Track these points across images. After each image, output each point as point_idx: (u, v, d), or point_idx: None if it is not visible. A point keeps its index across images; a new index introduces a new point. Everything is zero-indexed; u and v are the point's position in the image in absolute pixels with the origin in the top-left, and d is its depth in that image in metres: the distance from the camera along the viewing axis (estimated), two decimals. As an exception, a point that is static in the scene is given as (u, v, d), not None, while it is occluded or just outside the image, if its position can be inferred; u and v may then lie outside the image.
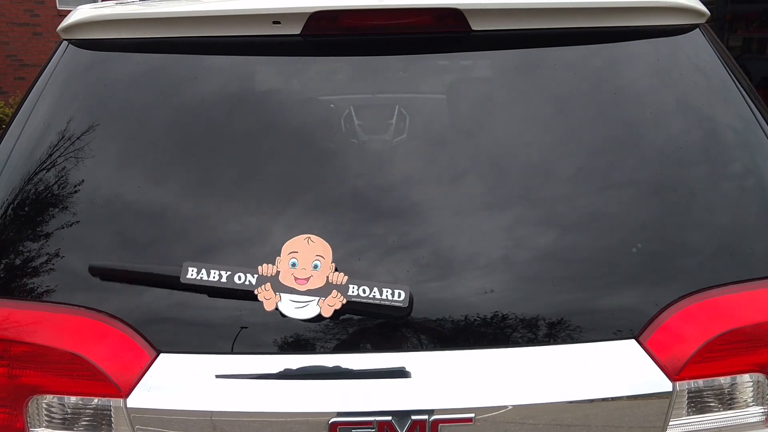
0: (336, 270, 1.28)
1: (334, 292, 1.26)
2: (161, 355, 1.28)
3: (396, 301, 1.24)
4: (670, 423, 1.26)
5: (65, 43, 1.62)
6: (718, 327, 1.26)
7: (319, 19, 1.47)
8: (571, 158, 1.45)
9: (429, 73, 1.67)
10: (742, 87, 1.55)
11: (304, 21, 1.47)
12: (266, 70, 1.65)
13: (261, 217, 1.37)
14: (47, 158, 1.46)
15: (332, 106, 1.83)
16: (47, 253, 1.34)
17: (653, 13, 1.58)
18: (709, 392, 1.28)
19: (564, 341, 1.29)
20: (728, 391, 1.29)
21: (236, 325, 1.29)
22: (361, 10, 1.46)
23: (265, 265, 1.29)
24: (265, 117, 1.51)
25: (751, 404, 1.30)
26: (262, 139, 1.47)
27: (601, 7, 1.51)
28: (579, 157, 1.45)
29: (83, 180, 1.43)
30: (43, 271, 1.34)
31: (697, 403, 1.28)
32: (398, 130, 1.97)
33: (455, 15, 1.46)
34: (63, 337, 1.28)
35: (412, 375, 1.25)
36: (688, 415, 1.28)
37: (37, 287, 1.33)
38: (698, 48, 1.58)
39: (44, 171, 1.44)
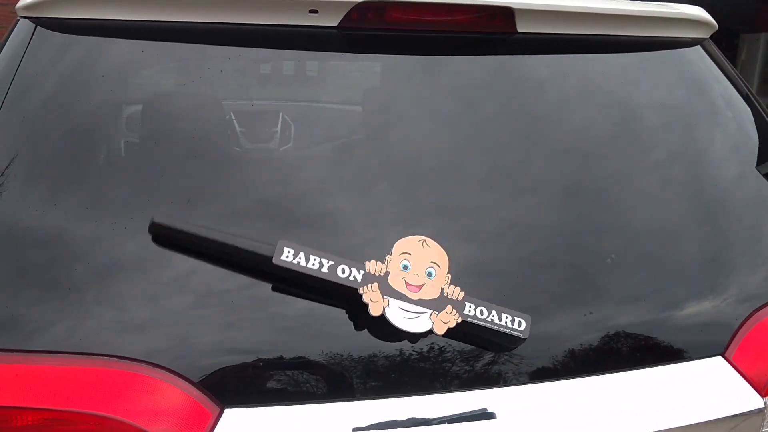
0: (451, 283, 1.11)
1: (449, 307, 1.11)
2: (226, 411, 1.03)
3: (515, 330, 1.11)
4: (762, 439, 1.25)
5: (27, 22, 1.29)
6: None
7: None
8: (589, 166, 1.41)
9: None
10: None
11: None
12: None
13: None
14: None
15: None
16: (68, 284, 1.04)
17: (664, 24, 1.58)
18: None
19: (650, 364, 1.23)
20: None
21: (321, 363, 1.08)
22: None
23: (373, 261, 1.10)
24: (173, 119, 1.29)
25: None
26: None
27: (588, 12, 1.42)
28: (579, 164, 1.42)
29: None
30: (55, 312, 1.03)
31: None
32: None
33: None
34: (91, 397, 0.99)
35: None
36: (777, 430, 1.27)
37: (54, 334, 1.02)
38: (708, 60, 1.61)
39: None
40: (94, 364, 1.00)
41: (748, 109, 1.60)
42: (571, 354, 1.21)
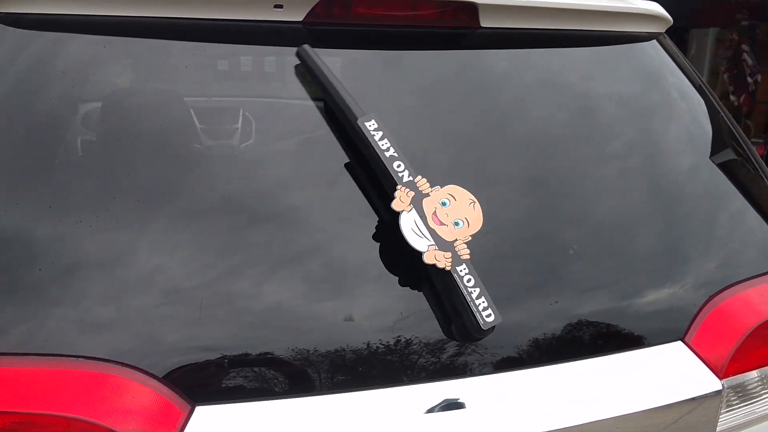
0: (467, 245, 1.16)
1: (449, 253, 1.14)
2: (197, 408, 1.03)
3: (481, 318, 1.12)
4: (720, 419, 1.30)
5: (-19, 15, 1.25)
6: (751, 320, 1.32)
7: None
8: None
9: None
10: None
11: None
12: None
13: (117, 232, 1.12)
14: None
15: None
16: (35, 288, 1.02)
17: (622, 19, 1.61)
18: (750, 385, 1.33)
19: (613, 350, 1.26)
20: (759, 382, 1.35)
21: (291, 358, 1.08)
22: None
23: (425, 180, 1.19)
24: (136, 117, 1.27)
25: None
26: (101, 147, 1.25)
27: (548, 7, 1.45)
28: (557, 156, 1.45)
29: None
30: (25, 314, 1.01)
31: (740, 397, 1.33)
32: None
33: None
34: (59, 399, 0.97)
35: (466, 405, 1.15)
36: (734, 409, 1.32)
37: (18, 336, 1.00)
38: (664, 54, 1.66)
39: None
40: (60, 365, 0.98)
41: (702, 102, 1.65)
42: (536, 343, 1.23)
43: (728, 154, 1.65)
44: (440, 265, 1.13)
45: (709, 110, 1.66)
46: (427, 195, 1.19)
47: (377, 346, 1.15)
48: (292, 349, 1.11)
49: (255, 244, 1.17)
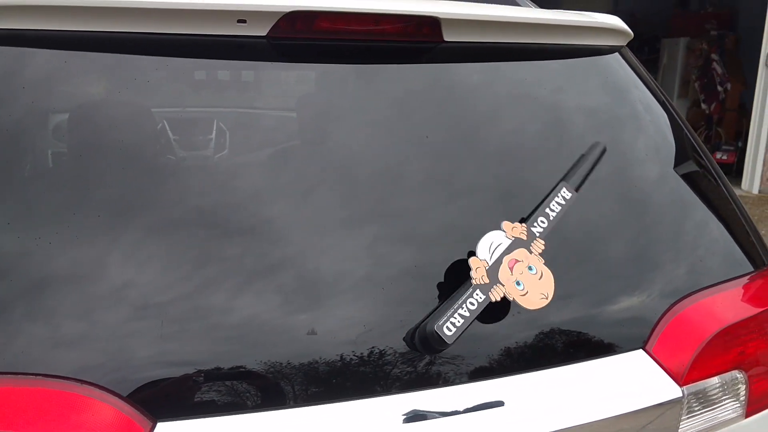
0: (504, 296, 1.22)
1: (488, 280, 1.21)
2: (159, 425, 1.02)
3: (443, 333, 1.14)
4: (681, 426, 1.32)
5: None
6: (711, 327, 1.35)
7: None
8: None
9: None
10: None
11: None
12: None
13: (79, 246, 1.12)
14: None
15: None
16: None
17: (584, 32, 1.65)
18: (710, 391, 1.36)
19: (574, 360, 1.28)
20: (720, 389, 1.38)
21: (255, 372, 1.08)
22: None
23: (542, 243, 1.27)
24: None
25: (732, 399, 1.41)
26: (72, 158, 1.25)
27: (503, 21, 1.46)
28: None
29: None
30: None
31: (702, 404, 1.35)
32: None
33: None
34: (18, 418, 0.96)
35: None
36: (695, 415, 1.34)
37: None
38: (626, 66, 1.69)
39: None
40: (19, 384, 0.98)
41: (664, 113, 1.69)
42: (498, 354, 1.24)
43: (690, 165, 1.69)
44: (473, 275, 1.19)
45: (671, 121, 1.69)
46: (529, 251, 1.25)
47: (348, 358, 1.16)
48: (256, 362, 1.11)
49: (223, 257, 1.17)
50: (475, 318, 1.16)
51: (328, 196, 1.27)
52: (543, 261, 1.25)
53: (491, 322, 1.25)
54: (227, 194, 1.24)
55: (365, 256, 1.24)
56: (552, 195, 1.33)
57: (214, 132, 1.57)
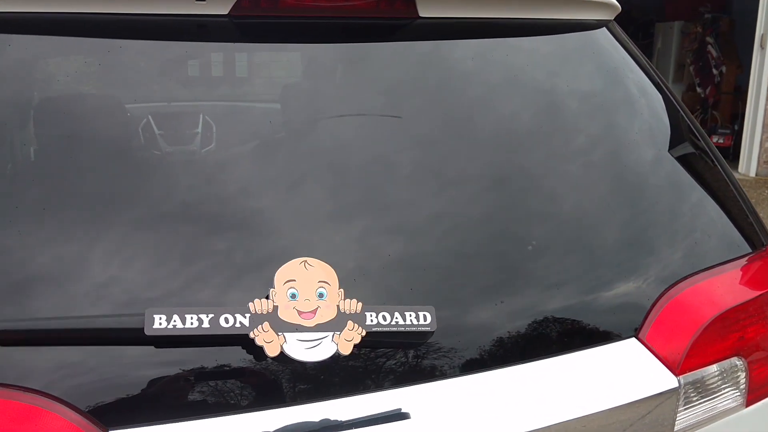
0: (345, 297, 1.05)
1: (350, 323, 1.04)
2: (112, 433, 0.95)
3: (422, 325, 1.06)
4: (678, 417, 1.24)
5: None
6: (708, 312, 1.27)
7: None
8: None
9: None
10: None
11: None
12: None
13: (70, 244, 1.06)
14: None
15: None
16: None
17: (569, 6, 1.56)
18: (709, 380, 1.28)
19: (565, 350, 1.21)
20: (718, 377, 1.30)
21: (212, 376, 1.01)
22: None
23: (257, 301, 1.02)
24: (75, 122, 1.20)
25: (732, 388, 1.33)
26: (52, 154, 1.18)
27: None
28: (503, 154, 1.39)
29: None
30: None
31: (700, 393, 1.28)
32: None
33: None
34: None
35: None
36: (693, 406, 1.27)
37: None
38: (614, 41, 1.61)
39: None
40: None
41: (654, 90, 1.61)
42: (484, 346, 1.17)
43: (684, 146, 1.62)
44: (357, 341, 1.04)
45: (664, 99, 1.61)
46: (276, 307, 1.03)
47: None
48: (203, 368, 1.03)
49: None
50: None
51: (321, 187, 1.19)
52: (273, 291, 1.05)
53: (471, 315, 1.17)
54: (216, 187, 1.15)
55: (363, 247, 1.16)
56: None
57: (200, 125, 1.50)
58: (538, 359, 1.17)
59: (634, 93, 1.60)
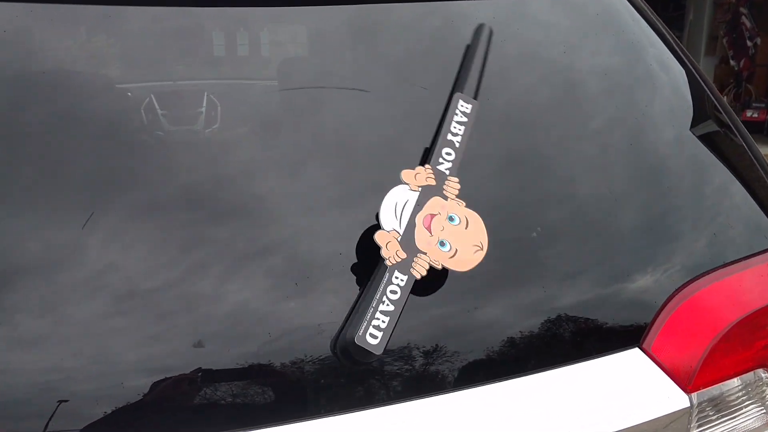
0: (430, 270, 0.95)
1: (404, 255, 0.94)
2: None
3: (368, 334, 0.88)
4: (690, 441, 1.05)
5: None
6: (729, 315, 1.07)
7: None
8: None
9: None
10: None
11: None
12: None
13: (69, 229, 0.95)
14: None
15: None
16: None
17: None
18: (727, 397, 1.09)
19: (547, 365, 1.02)
20: (740, 392, 1.11)
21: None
22: None
23: (457, 182, 1.00)
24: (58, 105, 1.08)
25: (756, 405, 1.13)
26: (51, 135, 1.05)
27: None
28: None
29: None
30: None
31: (719, 411, 1.08)
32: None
33: None
34: None
35: None
36: (709, 427, 1.07)
37: None
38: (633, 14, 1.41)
39: None
40: None
41: (677, 65, 1.41)
42: (455, 358, 0.98)
43: (708, 125, 1.41)
44: (384, 254, 0.93)
45: (687, 75, 1.41)
46: (444, 197, 0.98)
47: (259, 376, 0.92)
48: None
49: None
50: (403, 309, 0.90)
51: (335, 172, 1.07)
52: (464, 203, 0.99)
53: (428, 309, 0.98)
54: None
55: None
56: (448, 115, 1.05)
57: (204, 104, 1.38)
58: (517, 375, 0.98)
59: (654, 69, 1.39)
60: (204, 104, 1.70)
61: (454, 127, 1.03)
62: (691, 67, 1.43)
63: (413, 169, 0.99)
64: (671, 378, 1.04)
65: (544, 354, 1.02)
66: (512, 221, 1.12)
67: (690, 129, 1.37)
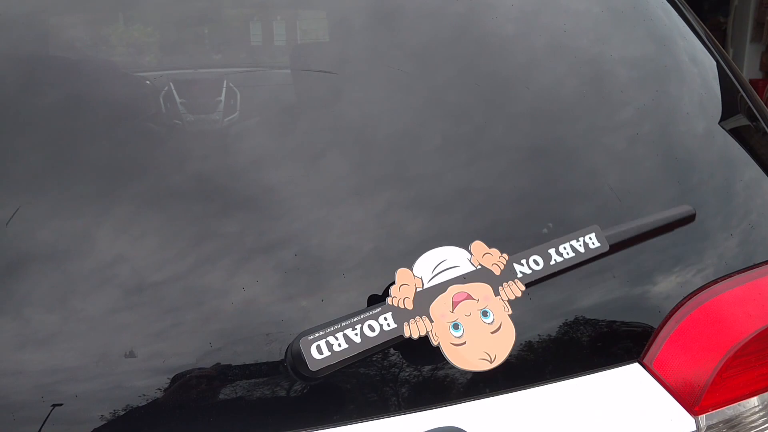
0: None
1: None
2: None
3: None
4: (697, 470, 0.93)
5: None
6: (747, 326, 0.95)
7: None
8: None
9: None
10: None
11: None
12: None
13: (81, 219, 0.92)
14: None
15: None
16: None
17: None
18: (741, 419, 0.96)
19: (534, 381, 0.91)
20: (757, 414, 0.98)
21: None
22: None
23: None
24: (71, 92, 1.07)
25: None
26: (65, 122, 1.02)
27: None
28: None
29: None
30: None
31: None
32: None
33: None
34: None
35: None
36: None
37: None
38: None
39: None
40: None
41: (709, 58, 1.30)
42: (426, 374, 0.88)
43: (740, 118, 1.31)
44: (392, 292, 0.85)
45: (717, 68, 1.31)
46: (495, 292, 0.88)
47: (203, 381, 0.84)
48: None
49: None
50: (368, 351, 0.81)
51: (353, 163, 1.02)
52: (510, 311, 0.88)
53: (391, 360, 0.89)
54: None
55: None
56: (571, 238, 0.94)
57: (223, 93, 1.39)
58: (502, 392, 0.88)
59: (684, 61, 1.33)
60: (223, 93, 1.67)
61: (563, 249, 0.93)
62: (722, 60, 1.34)
63: (489, 247, 0.89)
64: (675, 397, 0.92)
65: (528, 369, 0.91)
66: (523, 215, 1.02)
67: (720, 123, 1.28)
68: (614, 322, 0.97)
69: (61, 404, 0.82)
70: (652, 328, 0.96)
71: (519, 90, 1.15)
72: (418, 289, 0.84)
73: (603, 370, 0.93)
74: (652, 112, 1.20)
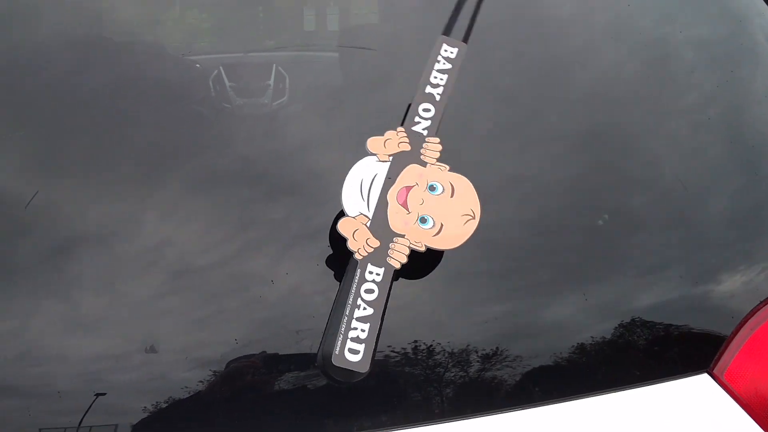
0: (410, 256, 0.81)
1: (377, 244, 0.79)
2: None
3: (347, 349, 0.75)
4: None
5: None
6: None
7: None
8: None
9: None
10: None
11: None
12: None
13: (129, 202, 0.92)
14: None
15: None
16: None
17: None
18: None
19: (586, 390, 0.85)
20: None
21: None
22: None
23: (437, 142, 0.85)
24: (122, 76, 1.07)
25: None
26: (115, 105, 1.02)
27: None
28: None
29: None
30: None
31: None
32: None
33: None
34: None
35: None
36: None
37: None
38: None
39: None
40: None
41: None
42: (500, 380, 0.84)
43: None
44: (351, 246, 0.78)
45: None
46: (422, 163, 0.83)
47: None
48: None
49: None
50: (385, 310, 0.76)
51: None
52: (447, 167, 0.83)
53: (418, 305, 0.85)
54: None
55: None
56: (428, 63, 0.89)
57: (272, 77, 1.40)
58: (556, 401, 0.83)
59: (759, 40, 1.25)
60: (272, 77, 1.66)
61: (435, 77, 0.87)
62: None
63: (381, 134, 0.84)
64: (749, 412, 0.85)
65: (580, 376, 0.85)
66: (576, 206, 0.96)
67: None
68: (679, 326, 0.90)
69: (104, 393, 0.81)
70: (723, 335, 0.89)
71: (575, 71, 1.09)
72: (368, 224, 0.79)
73: (665, 380, 0.86)
74: (720, 96, 1.13)
